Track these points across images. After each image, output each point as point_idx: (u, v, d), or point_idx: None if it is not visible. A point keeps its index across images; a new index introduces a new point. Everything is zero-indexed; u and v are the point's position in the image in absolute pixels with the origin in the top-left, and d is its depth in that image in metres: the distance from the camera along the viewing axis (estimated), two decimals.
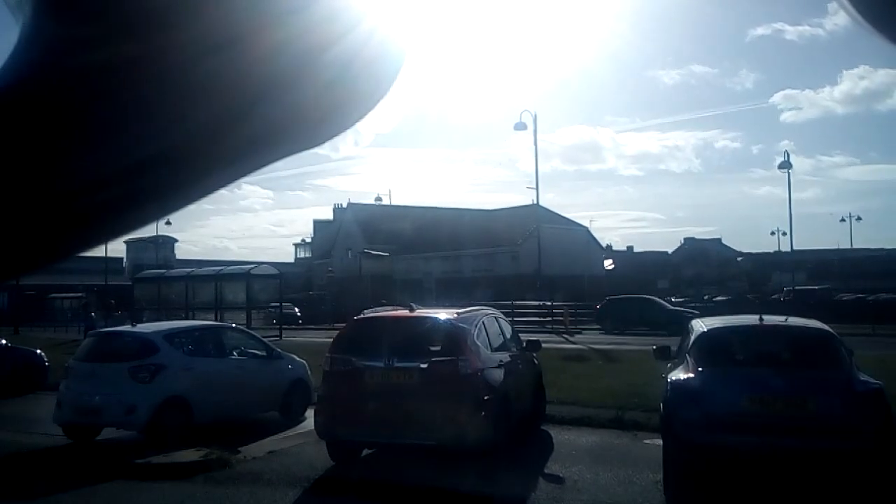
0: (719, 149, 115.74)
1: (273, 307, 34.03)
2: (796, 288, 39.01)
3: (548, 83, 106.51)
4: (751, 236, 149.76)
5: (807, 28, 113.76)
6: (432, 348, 8.45)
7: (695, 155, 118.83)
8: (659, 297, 35.46)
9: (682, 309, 31.97)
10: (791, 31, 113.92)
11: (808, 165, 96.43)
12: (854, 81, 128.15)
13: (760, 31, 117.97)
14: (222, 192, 0.52)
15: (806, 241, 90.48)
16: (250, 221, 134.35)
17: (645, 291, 40.10)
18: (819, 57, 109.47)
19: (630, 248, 77.46)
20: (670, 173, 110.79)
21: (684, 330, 9.37)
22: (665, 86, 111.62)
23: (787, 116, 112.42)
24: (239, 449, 9.12)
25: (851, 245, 64.33)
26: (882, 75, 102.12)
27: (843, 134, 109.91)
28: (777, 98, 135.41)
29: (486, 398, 8.16)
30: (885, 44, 0.48)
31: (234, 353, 11.59)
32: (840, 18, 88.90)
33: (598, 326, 32.90)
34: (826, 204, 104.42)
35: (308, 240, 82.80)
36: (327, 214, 77.81)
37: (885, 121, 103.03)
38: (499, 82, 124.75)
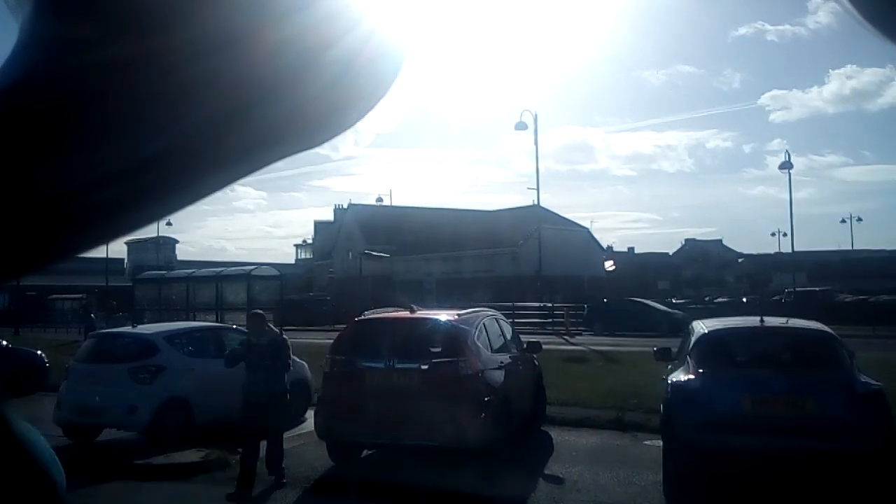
0: (711, 149, 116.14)
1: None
2: (797, 289, 38.97)
3: (538, 84, 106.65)
4: (751, 237, 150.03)
5: (788, 27, 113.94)
6: (433, 349, 8.45)
7: (687, 155, 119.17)
8: (652, 300, 35.45)
9: (675, 311, 31.98)
10: (773, 32, 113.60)
11: (802, 165, 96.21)
12: (842, 81, 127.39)
13: (742, 30, 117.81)
14: (217, 192, 0.52)
15: (806, 242, 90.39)
16: (247, 222, 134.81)
17: (645, 293, 40.10)
18: (804, 57, 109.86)
19: (631, 250, 77.45)
20: (663, 173, 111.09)
21: (685, 331, 9.37)
22: (652, 86, 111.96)
23: (776, 117, 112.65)
24: (239, 449, 9.10)
25: (852, 246, 64.39)
26: (870, 74, 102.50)
27: (834, 134, 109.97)
28: (765, 99, 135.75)
29: (486, 399, 8.16)
30: (885, 43, 0.48)
31: None
32: (822, 17, 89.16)
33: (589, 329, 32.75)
34: (822, 205, 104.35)
35: (309, 241, 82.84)
36: (327, 215, 77.90)
37: (877, 120, 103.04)
38: (491, 83, 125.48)
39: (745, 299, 40.36)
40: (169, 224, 48.61)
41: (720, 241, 74.67)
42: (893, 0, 0.48)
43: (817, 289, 40.20)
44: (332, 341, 9.45)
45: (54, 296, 50.16)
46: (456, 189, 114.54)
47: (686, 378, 7.76)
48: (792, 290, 39.13)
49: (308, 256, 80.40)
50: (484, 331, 9.07)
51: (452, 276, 54.64)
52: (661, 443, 8.23)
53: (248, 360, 8.30)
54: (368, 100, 0.52)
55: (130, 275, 54.02)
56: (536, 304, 36.28)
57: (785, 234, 45.05)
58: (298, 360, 12.26)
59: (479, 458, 7.84)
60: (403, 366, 8.25)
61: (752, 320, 9.09)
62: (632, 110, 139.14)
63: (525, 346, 10.65)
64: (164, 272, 39.64)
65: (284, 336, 8.82)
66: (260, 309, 12.45)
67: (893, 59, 67.33)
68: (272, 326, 8.62)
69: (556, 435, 10.25)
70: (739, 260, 66.26)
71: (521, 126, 35.19)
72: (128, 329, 12.43)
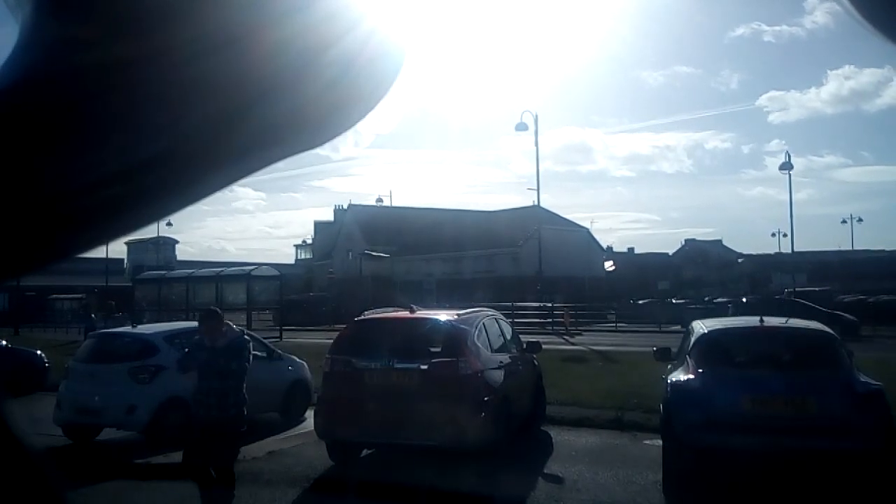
0: (710, 150, 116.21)
1: None
2: (797, 289, 38.94)
3: (537, 85, 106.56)
4: (751, 238, 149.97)
5: (785, 28, 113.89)
6: (432, 349, 8.45)
7: (686, 155, 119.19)
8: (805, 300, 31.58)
9: (844, 314, 28.32)
10: (770, 32, 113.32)
11: (801, 166, 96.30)
12: (840, 82, 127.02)
13: (740, 31, 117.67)
14: (217, 193, 0.52)
15: (806, 242, 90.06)
16: (246, 223, 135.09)
17: (645, 293, 40.09)
18: (802, 58, 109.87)
19: (631, 250, 77.48)
20: (662, 174, 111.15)
21: (685, 331, 9.37)
22: (650, 87, 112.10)
23: (774, 118, 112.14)
24: (239, 449, 9.10)
25: (852, 247, 64.38)
26: (868, 75, 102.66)
27: (832, 135, 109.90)
28: (763, 100, 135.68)
29: (486, 399, 8.15)
30: (884, 43, 0.48)
31: None
32: (819, 17, 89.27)
33: None
34: (821, 205, 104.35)
35: (309, 241, 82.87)
36: (327, 215, 77.93)
37: (876, 121, 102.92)
38: (491, 84, 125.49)
39: (744, 299, 40.31)
40: (169, 224, 48.67)
41: (720, 241, 74.70)
42: (893, 0, 0.48)
43: (817, 289, 40.19)
44: (331, 341, 9.44)
45: (54, 296, 50.17)
46: (456, 190, 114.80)
47: (686, 378, 7.76)
48: (792, 290, 39.10)
49: (308, 257, 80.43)
50: (483, 331, 9.06)
51: (453, 276, 54.63)
52: (660, 442, 8.22)
53: (198, 365, 6.92)
54: (368, 100, 0.52)
55: (130, 275, 54.09)
56: (536, 304, 36.28)
57: (785, 235, 45.15)
58: (298, 359, 12.29)
59: (479, 457, 7.84)
60: (403, 366, 8.24)
61: (751, 320, 9.09)
62: (630, 111, 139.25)
63: (525, 346, 10.65)
64: (163, 272, 39.72)
65: (247, 336, 7.43)
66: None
67: (891, 59, 67.45)
68: (232, 326, 7.32)
69: (556, 434, 10.25)
70: (739, 260, 66.18)
71: (521, 127, 35.19)
72: (127, 329, 12.42)
